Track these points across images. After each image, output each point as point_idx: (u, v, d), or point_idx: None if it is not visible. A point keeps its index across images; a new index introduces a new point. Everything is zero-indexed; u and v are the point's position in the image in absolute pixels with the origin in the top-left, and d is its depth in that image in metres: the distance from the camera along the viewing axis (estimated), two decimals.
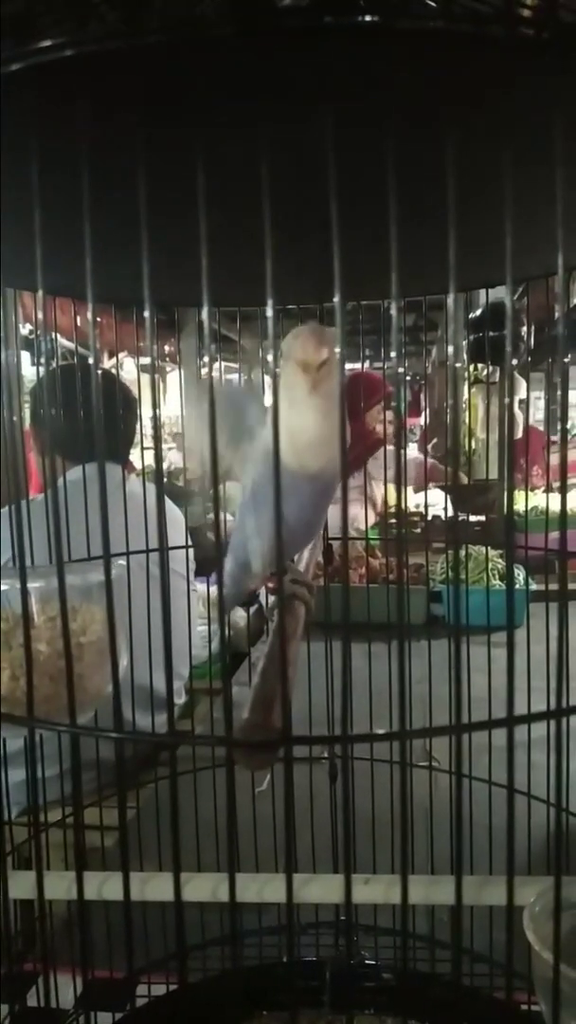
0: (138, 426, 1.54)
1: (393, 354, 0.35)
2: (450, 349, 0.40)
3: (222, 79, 0.30)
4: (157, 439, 0.58)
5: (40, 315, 0.37)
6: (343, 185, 0.31)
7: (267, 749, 0.34)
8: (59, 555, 0.31)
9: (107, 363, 2.20)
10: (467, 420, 3.00)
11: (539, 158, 0.31)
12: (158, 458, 0.35)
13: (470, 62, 0.29)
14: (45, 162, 0.34)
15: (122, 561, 0.72)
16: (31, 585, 0.52)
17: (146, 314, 0.34)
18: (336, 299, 0.32)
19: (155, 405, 0.37)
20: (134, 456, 1.76)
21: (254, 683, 0.41)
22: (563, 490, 0.41)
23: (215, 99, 0.31)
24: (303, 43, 0.26)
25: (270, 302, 0.31)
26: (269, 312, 0.32)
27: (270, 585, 0.68)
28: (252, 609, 2.52)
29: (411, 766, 0.79)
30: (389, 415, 2.84)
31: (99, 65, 0.27)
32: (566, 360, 0.42)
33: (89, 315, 0.36)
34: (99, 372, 0.44)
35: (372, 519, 2.67)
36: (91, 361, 0.38)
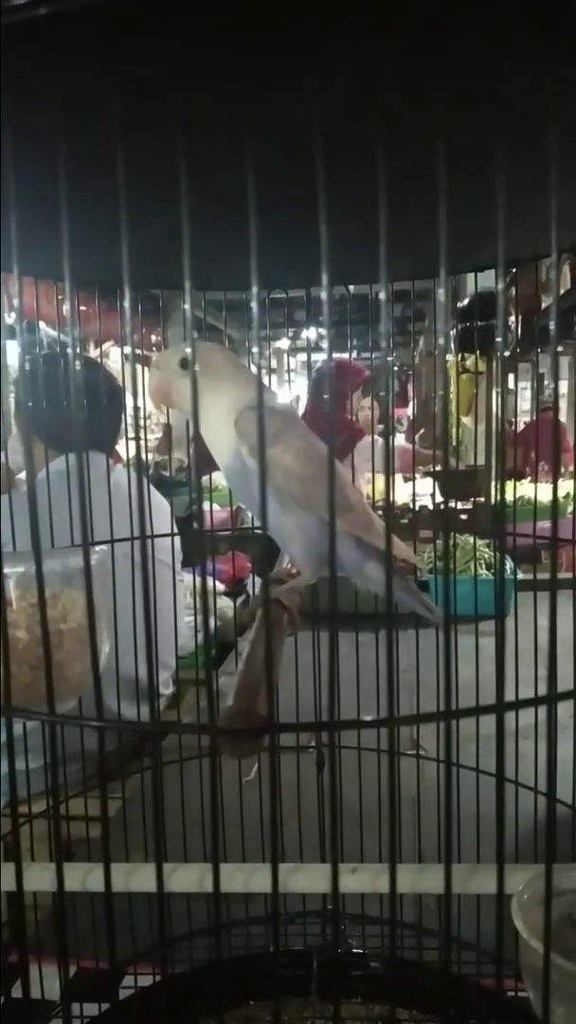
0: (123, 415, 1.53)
1: (383, 343, 0.34)
2: (440, 334, 0.39)
3: (206, 42, 0.29)
4: (138, 428, 0.57)
5: (16, 301, 0.36)
6: (331, 165, 0.30)
7: (252, 737, 0.33)
8: (36, 539, 0.30)
9: (92, 352, 2.18)
10: (454, 409, 3.00)
11: (531, 132, 0.31)
12: (139, 447, 0.34)
13: (460, 30, 0.28)
14: (21, 135, 0.33)
15: (104, 547, 0.71)
16: (9, 570, 0.51)
17: (126, 303, 0.33)
18: (324, 281, 0.32)
19: (136, 394, 0.37)
20: (119, 446, 1.75)
21: (239, 671, 0.40)
22: (555, 479, 0.41)
23: (198, 64, 0.31)
24: (288, 6, 0.25)
25: (254, 280, 0.30)
26: (254, 299, 0.31)
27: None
28: (240, 600, 2.52)
29: (399, 754, 0.79)
30: (367, 402, 2.86)
31: (76, 26, 0.26)
32: (558, 349, 0.42)
33: (67, 301, 0.35)
34: (82, 360, 0.44)
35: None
36: (70, 350, 0.37)
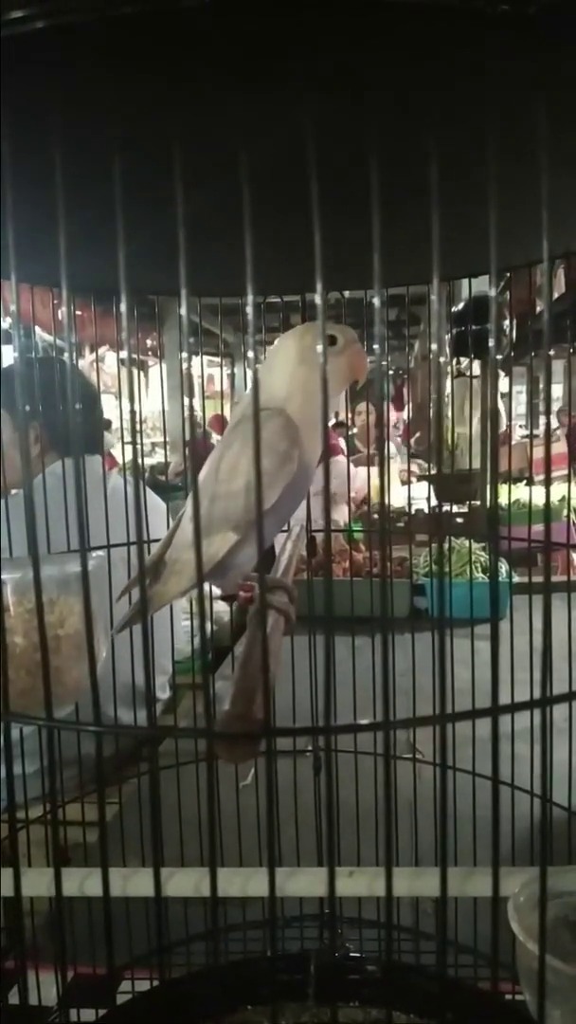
0: (118, 419, 1.54)
1: (376, 347, 0.35)
2: (435, 339, 0.39)
3: (200, 55, 0.29)
4: (134, 433, 0.58)
5: (13, 307, 0.36)
6: (325, 172, 0.31)
7: (248, 741, 0.33)
8: (34, 545, 0.30)
9: (88, 357, 2.19)
10: (449, 413, 3.01)
11: (523, 140, 0.31)
12: (135, 452, 0.35)
13: (453, 39, 0.28)
14: (18, 143, 0.33)
15: (101, 553, 0.71)
16: (7, 576, 0.51)
17: (123, 307, 0.33)
18: (318, 287, 0.32)
19: (133, 399, 0.37)
20: (115, 450, 1.75)
21: (235, 675, 0.41)
22: (547, 483, 0.41)
23: (193, 77, 0.31)
24: (280, 14, 0.26)
25: (250, 288, 0.31)
26: (249, 303, 0.32)
27: (243, 594, 0.67)
28: (235, 604, 2.51)
29: (395, 758, 0.79)
30: (362, 407, 2.87)
31: (72, 39, 0.26)
32: (551, 353, 0.42)
33: (64, 308, 0.35)
34: (62, 364, 0.44)
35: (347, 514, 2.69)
36: (66, 355, 0.37)
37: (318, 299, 0.32)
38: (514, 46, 0.29)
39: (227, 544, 0.59)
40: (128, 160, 0.31)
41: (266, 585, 0.61)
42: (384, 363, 0.38)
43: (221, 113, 0.36)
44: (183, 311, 0.32)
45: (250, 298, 0.31)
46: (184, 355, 0.34)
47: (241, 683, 0.39)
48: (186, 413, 0.33)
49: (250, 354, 0.37)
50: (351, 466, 2.37)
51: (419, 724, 0.31)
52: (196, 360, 1.04)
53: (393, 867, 0.34)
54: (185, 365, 0.36)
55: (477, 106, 0.34)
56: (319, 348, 0.62)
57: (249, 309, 0.31)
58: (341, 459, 2.53)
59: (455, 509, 2.54)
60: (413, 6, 0.24)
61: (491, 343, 0.36)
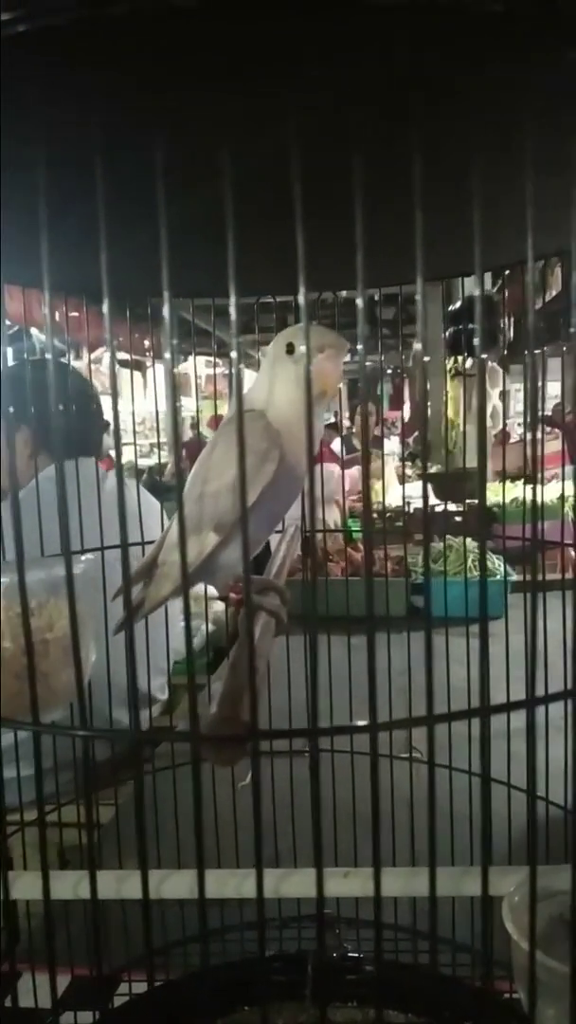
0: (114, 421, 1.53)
1: (360, 346, 0.35)
2: (422, 339, 0.39)
3: (187, 56, 0.29)
4: (118, 433, 0.58)
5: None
6: (313, 172, 0.30)
7: (235, 744, 0.33)
8: (19, 549, 0.30)
9: (85, 358, 2.18)
10: (446, 411, 3.01)
11: (509, 140, 0.31)
12: (119, 453, 0.35)
13: (439, 39, 0.28)
14: (5, 146, 0.33)
15: (91, 556, 0.71)
16: None
17: (105, 308, 0.33)
18: (301, 289, 0.32)
19: (116, 399, 0.37)
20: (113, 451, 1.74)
21: (225, 677, 0.41)
22: (540, 481, 0.41)
23: (181, 77, 0.31)
24: (269, 14, 0.26)
25: (233, 289, 0.31)
26: (232, 303, 0.32)
27: (233, 596, 0.67)
28: (230, 607, 2.50)
29: (392, 758, 0.79)
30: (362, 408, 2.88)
31: (57, 41, 0.26)
32: (544, 351, 0.42)
33: (46, 308, 0.35)
34: (57, 366, 0.43)
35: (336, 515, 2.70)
36: (60, 357, 0.37)
37: (302, 299, 0.32)
38: (502, 44, 0.29)
39: (209, 545, 0.59)
40: (116, 164, 0.31)
41: (252, 587, 0.61)
42: (370, 363, 0.38)
43: (209, 114, 0.36)
44: (166, 312, 0.32)
45: (233, 299, 0.31)
46: (167, 356, 0.34)
47: (229, 685, 0.39)
48: (165, 416, 0.33)
49: (233, 355, 0.37)
50: (329, 466, 2.37)
51: (408, 725, 0.31)
52: (192, 361, 1.04)
53: (388, 867, 0.34)
54: (172, 366, 0.36)
55: (465, 105, 0.34)
56: (284, 353, 0.63)
57: (232, 310, 0.31)
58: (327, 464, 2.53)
59: (452, 508, 2.54)
60: (403, 5, 0.24)
61: (476, 342, 0.36)
